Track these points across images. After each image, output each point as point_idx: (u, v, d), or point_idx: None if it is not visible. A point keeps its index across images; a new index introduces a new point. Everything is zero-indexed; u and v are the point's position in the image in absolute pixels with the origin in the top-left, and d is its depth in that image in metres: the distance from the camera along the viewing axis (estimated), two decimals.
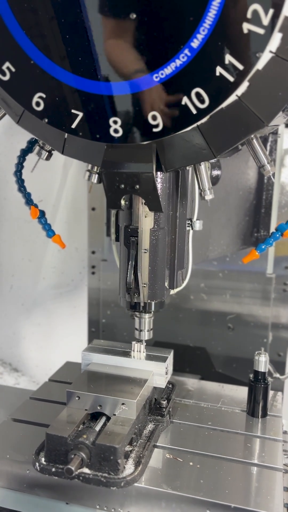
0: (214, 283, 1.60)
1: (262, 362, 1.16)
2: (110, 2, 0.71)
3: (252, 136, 0.83)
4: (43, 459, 0.92)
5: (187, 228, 1.07)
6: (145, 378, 1.07)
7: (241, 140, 0.80)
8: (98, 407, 1.00)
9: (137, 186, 0.86)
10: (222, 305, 1.61)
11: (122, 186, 0.87)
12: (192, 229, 1.08)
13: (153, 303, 1.04)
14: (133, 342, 1.12)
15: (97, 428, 0.95)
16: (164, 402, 1.13)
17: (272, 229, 1.51)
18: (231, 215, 1.38)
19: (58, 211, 1.80)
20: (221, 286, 1.60)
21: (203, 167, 0.91)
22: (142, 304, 1.03)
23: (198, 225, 1.08)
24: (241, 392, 1.27)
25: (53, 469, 0.90)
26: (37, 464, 0.92)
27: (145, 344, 1.13)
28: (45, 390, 1.27)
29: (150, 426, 1.07)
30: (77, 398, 1.01)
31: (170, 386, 1.23)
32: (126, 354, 1.13)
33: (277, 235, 1.08)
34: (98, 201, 1.64)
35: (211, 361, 1.63)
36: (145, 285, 1.00)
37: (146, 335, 1.10)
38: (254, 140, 0.85)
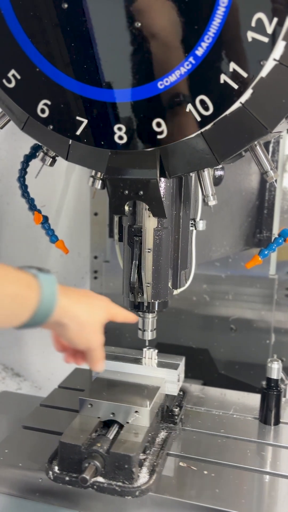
0: (217, 286, 1.60)
1: (275, 369, 1.15)
2: (115, 10, 0.72)
3: (256, 142, 0.84)
4: (56, 468, 0.91)
5: (191, 228, 1.07)
6: (158, 386, 1.06)
7: (245, 146, 0.81)
8: (111, 415, 0.99)
9: (141, 192, 0.87)
10: (224, 308, 1.61)
11: (126, 192, 0.88)
12: (195, 229, 1.08)
13: (156, 302, 1.03)
14: (144, 349, 1.12)
15: (111, 436, 0.95)
16: (177, 410, 1.12)
17: (275, 230, 1.51)
18: (234, 216, 1.38)
19: (60, 216, 1.80)
20: (224, 289, 1.60)
21: (206, 173, 0.91)
22: (145, 304, 1.03)
23: (201, 225, 1.08)
24: (253, 399, 1.25)
25: (67, 478, 0.89)
26: (50, 472, 0.91)
27: (156, 351, 1.13)
28: (55, 397, 1.26)
29: (162, 434, 1.06)
30: (89, 406, 1.00)
31: (181, 393, 1.22)
32: (138, 361, 1.12)
33: (280, 241, 1.08)
34: (100, 206, 1.64)
35: (213, 363, 1.63)
36: (148, 285, 1.00)
37: (149, 335, 1.10)
38: (258, 147, 0.85)
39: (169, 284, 1.05)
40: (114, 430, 0.97)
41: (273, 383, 1.15)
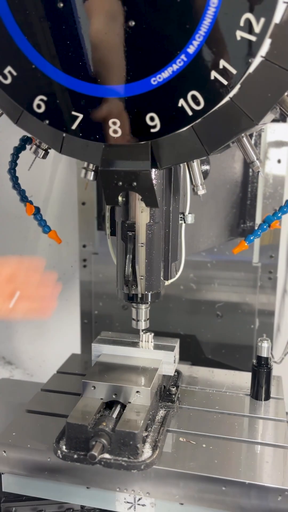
0: (203, 273, 1.65)
1: (265, 348, 1.21)
2: (111, 9, 0.75)
3: (243, 134, 0.88)
4: (64, 447, 0.96)
5: (180, 222, 1.12)
6: (156, 367, 1.11)
7: (233, 138, 0.85)
8: (113, 396, 1.04)
9: (135, 183, 0.90)
10: (210, 294, 1.67)
11: (120, 183, 0.91)
12: (184, 222, 1.12)
13: (149, 294, 1.08)
14: (141, 333, 1.17)
15: (114, 415, 1.00)
16: (174, 389, 1.18)
17: (258, 219, 1.57)
18: (220, 208, 1.43)
19: (48, 206, 1.82)
20: (210, 276, 1.65)
21: (196, 163, 0.95)
22: (139, 296, 1.07)
23: (190, 218, 1.12)
24: (242, 377, 1.32)
25: (75, 456, 0.94)
26: (58, 451, 0.96)
27: (153, 334, 1.17)
28: (55, 382, 1.30)
29: (161, 412, 1.12)
30: (92, 388, 1.05)
31: (176, 373, 1.28)
32: (135, 344, 1.17)
33: (265, 227, 1.13)
34: (88, 196, 1.67)
35: (201, 348, 1.69)
36: (142, 277, 1.04)
37: (143, 325, 1.15)
38: (244, 138, 0.90)
39: (161, 276, 1.09)
40: (117, 410, 1.02)
41: (263, 361, 1.21)
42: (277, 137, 1.54)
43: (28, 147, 1.12)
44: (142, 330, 1.17)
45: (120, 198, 0.94)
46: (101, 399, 1.04)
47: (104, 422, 0.94)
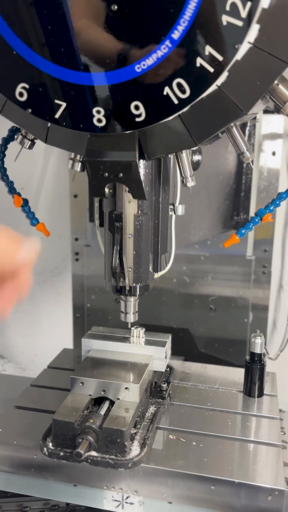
0: (196, 266, 1.63)
1: (258, 344, 1.19)
2: None
3: (232, 124, 0.85)
4: (50, 444, 0.94)
5: (170, 213, 1.09)
6: (146, 363, 1.09)
7: (221, 128, 0.83)
8: (102, 392, 1.02)
9: (121, 174, 0.88)
10: (204, 287, 1.65)
11: (106, 174, 0.88)
12: (174, 213, 1.10)
13: (138, 286, 1.06)
14: (132, 328, 1.15)
15: (102, 412, 0.98)
16: (165, 385, 1.16)
17: (252, 212, 1.54)
18: (212, 199, 1.40)
19: (39, 199, 1.80)
20: (203, 270, 1.63)
21: (185, 154, 0.93)
22: (127, 288, 1.05)
23: (180, 209, 1.10)
24: (236, 373, 1.30)
25: (61, 453, 0.92)
26: (45, 449, 0.94)
27: (144, 329, 1.16)
28: (45, 377, 1.29)
29: (152, 409, 1.10)
30: (81, 384, 1.03)
31: (168, 369, 1.26)
32: (126, 339, 1.15)
33: (256, 220, 1.11)
34: (80, 188, 1.65)
35: (194, 341, 1.67)
36: (130, 269, 1.02)
37: (131, 318, 1.13)
38: (234, 128, 0.88)
39: (150, 268, 1.07)
40: (105, 406, 1.00)
41: (256, 357, 1.19)
42: (272, 129, 1.51)
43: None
44: (133, 325, 1.15)
45: (106, 190, 0.92)
46: (90, 395, 1.03)
47: (91, 419, 0.93)
